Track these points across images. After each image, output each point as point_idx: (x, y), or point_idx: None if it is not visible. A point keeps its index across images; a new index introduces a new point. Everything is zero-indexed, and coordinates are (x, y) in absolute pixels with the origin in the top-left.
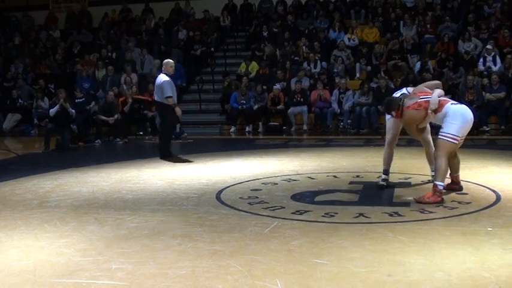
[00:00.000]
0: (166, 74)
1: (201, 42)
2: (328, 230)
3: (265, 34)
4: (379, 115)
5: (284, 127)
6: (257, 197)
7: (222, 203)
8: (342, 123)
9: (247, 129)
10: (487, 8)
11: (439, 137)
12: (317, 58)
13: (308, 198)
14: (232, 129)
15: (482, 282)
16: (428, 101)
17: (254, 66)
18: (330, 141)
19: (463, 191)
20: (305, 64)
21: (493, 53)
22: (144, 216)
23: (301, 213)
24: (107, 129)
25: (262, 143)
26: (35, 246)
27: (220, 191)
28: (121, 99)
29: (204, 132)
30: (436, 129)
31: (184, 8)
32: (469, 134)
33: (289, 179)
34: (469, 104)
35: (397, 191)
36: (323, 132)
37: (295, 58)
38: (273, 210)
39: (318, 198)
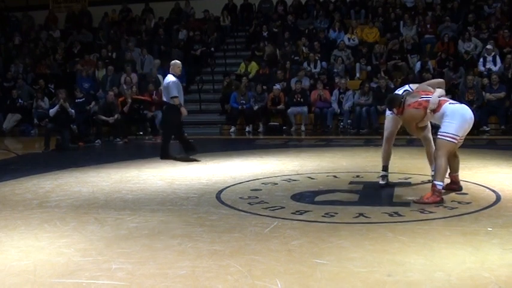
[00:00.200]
0: (174, 75)
1: (201, 42)
2: (328, 230)
3: (265, 34)
4: (379, 115)
5: (284, 127)
6: (257, 197)
7: (222, 203)
8: (342, 123)
9: (247, 129)
10: (487, 8)
11: (438, 136)
12: (317, 58)
13: (308, 198)
14: (232, 129)
15: (482, 282)
16: (428, 101)
17: (253, 66)
18: (330, 141)
19: (463, 191)
20: (305, 64)
21: (493, 53)
22: (144, 216)
23: (301, 213)
24: (107, 129)
25: (262, 143)
26: (35, 246)
27: (220, 191)
28: (120, 99)
29: (204, 132)
30: (436, 129)
31: (184, 8)
32: (469, 134)
33: (289, 179)
34: (469, 104)
35: (397, 191)
36: (323, 132)
37: (295, 58)
38: (273, 210)
39: (318, 198)
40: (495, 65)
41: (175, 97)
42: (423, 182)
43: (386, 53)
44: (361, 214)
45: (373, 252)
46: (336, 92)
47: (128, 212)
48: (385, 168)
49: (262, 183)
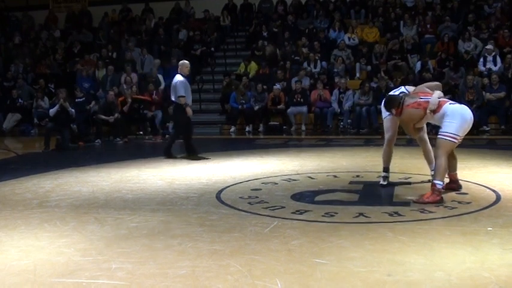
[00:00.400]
0: (182, 75)
1: (201, 42)
2: (328, 230)
3: (265, 34)
4: (379, 115)
5: (284, 127)
6: (257, 197)
7: (222, 202)
8: (342, 123)
9: (247, 129)
10: (487, 8)
11: (439, 136)
12: (317, 58)
13: (308, 198)
14: (232, 129)
15: (482, 282)
16: (428, 102)
17: (253, 66)
18: (330, 141)
19: (463, 191)
20: (305, 64)
21: (493, 53)
22: (144, 216)
23: (301, 213)
24: (107, 129)
25: (262, 142)
26: (35, 245)
27: (220, 191)
28: (120, 99)
29: (204, 132)
30: (436, 128)
31: (184, 8)
32: (469, 134)
33: (289, 178)
34: (469, 104)
35: (397, 191)
36: (323, 132)
37: (296, 58)
38: (273, 210)
39: (318, 198)
40: (495, 64)
41: (182, 97)
42: (423, 182)
43: (387, 52)
44: (361, 214)
45: (373, 252)
46: (336, 91)
47: (128, 211)
48: (386, 169)
49: (262, 183)
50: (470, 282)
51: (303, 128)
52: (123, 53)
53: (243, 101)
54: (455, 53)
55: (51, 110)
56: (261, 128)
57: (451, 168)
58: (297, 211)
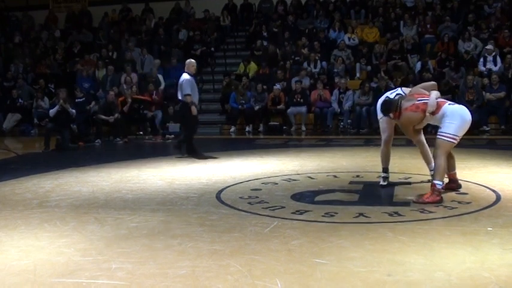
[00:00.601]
0: (188, 73)
1: (201, 42)
2: (328, 230)
3: (265, 34)
4: None
5: (284, 127)
6: (257, 197)
7: (222, 202)
8: (342, 123)
9: (247, 129)
10: (487, 8)
11: (438, 137)
12: (317, 58)
13: (308, 198)
14: (232, 129)
15: (482, 282)
16: (425, 103)
17: (252, 67)
18: (330, 141)
19: (463, 191)
20: (305, 64)
21: (493, 53)
22: (144, 216)
23: (301, 213)
24: (107, 129)
25: (262, 142)
26: (35, 245)
27: (220, 191)
28: (120, 99)
29: (204, 132)
30: (435, 129)
31: (184, 8)
32: (469, 134)
33: (289, 178)
34: (469, 104)
35: (397, 191)
36: (323, 132)
37: (296, 58)
38: (273, 210)
39: (318, 198)
40: (495, 64)
41: (188, 95)
42: (423, 182)
43: (387, 53)
44: (361, 214)
45: (373, 252)
46: (336, 91)
47: (128, 211)
48: (386, 169)
49: (262, 183)
50: (470, 282)
51: (303, 128)
52: (123, 53)
53: (243, 101)
54: (455, 53)
55: (51, 111)
56: (261, 128)
57: (450, 167)
58: (297, 211)
